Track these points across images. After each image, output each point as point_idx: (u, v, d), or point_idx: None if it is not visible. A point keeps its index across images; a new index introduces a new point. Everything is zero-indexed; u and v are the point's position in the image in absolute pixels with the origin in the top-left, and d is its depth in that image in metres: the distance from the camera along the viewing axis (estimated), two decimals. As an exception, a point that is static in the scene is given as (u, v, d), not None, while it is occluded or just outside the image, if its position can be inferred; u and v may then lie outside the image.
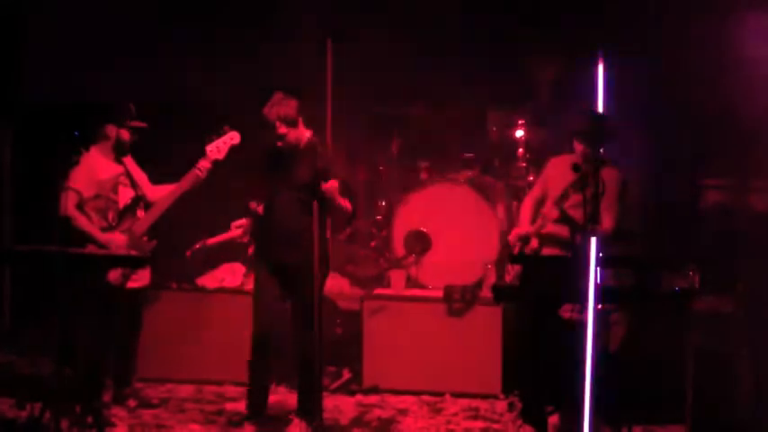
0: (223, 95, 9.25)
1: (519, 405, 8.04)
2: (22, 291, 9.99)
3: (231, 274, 9.28)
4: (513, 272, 7.84)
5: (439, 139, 10.11)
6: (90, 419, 7.42)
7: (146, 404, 8.38)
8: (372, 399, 8.72)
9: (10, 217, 10.15)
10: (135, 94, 8.30)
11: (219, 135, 7.81)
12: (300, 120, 7.33)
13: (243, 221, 7.63)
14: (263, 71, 9.29)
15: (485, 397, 8.66)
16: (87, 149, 8.00)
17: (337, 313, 9.38)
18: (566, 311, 7.33)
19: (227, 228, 7.94)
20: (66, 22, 9.71)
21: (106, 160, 8.07)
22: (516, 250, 7.79)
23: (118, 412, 8.11)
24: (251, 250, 7.80)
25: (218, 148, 7.80)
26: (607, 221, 7.63)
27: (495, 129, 9.94)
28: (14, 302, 10.11)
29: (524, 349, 7.85)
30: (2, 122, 10.09)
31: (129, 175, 8.14)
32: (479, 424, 8.22)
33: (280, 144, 7.23)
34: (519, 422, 7.82)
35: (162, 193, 8.05)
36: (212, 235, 8.28)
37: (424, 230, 9.38)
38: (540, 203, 7.94)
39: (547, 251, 7.83)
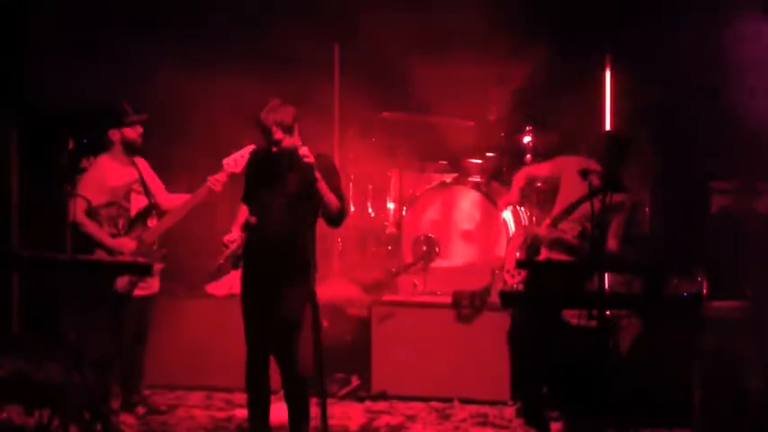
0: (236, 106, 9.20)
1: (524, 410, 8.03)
2: (30, 297, 10.01)
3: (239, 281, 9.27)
4: (517, 277, 7.86)
5: (447, 145, 10.11)
6: (98, 426, 7.44)
7: (154, 411, 8.38)
8: (381, 405, 8.71)
9: (16, 221, 10.16)
10: (144, 100, 8.29)
11: (237, 149, 7.59)
12: (297, 129, 7.21)
13: (234, 236, 7.38)
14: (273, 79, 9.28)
15: (493, 403, 8.64)
16: (93, 156, 7.98)
17: (346, 320, 9.37)
18: (573, 317, 7.31)
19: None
20: (71, 26, 9.72)
21: (118, 166, 8.07)
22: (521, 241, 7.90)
23: (126, 419, 8.12)
24: None
25: (236, 161, 7.57)
26: (612, 244, 7.72)
27: (503, 134, 9.93)
28: (22, 308, 10.14)
29: (529, 354, 7.84)
30: (6, 125, 10.10)
31: (143, 182, 8.13)
32: (488, 430, 8.20)
33: (275, 150, 7.13)
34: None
35: (176, 203, 8.04)
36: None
37: (433, 236, 9.38)
38: (531, 182, 8.16)
39: (554, 256, 7.86)
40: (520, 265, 7.49)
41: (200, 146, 9.44)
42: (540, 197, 9.32)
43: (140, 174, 8.15)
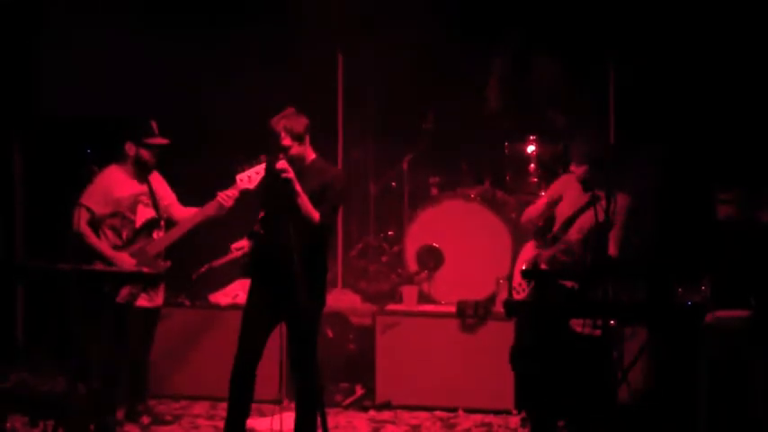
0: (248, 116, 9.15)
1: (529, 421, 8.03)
2: (34, 308, 10.01)
3: (244, 291, 9.25)
4: (522, 294, 7.88)
5: (450, 154, 10.11)
6: (103, 436, 7.45)
7: (159, 421, 8.38)
8: (385, 415, 8.71)
9: (21, 230, 10.16)
10: (158, 110, 8.28)
11: (252, 164, 7.30)
12: (308, 140, 7.20)
13: (243, 243, 7.38)
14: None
15: (498, 412, 8.64)
16: (101, 167, 7.96)
17: (350, 329, 9.37)
18: (578, 326, 7.31)
19: (227, 249, 7.66)
20: (84, 34, 9.73)
21: (126, 177, 8.05)
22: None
23: (131, 429, 8.13)
24: None
25: (250, 177, 7.30)
26: (610, 248, 7.73)
27: (507, 144, 9.93)
28: (27, 319, 10.14)
29: (536, 364, 7.83)
30: (13, 133, 10.11)
31: (152, 194, 8.10)
32: (493, 439, 8.25)
33: (282, 156, 7.10)
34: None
35: (186, 215, 8.01)
36: (218, 255, 8.11)
37: (437, 246, 9.38)
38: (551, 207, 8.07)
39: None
40: (525, 275, 7.48)
41: (213, 159, 9.47)
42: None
43: (150, 186, 8.12)
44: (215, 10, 10.03)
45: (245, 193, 7.42)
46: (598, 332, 7.14)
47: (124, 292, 7.82)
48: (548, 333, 7.54)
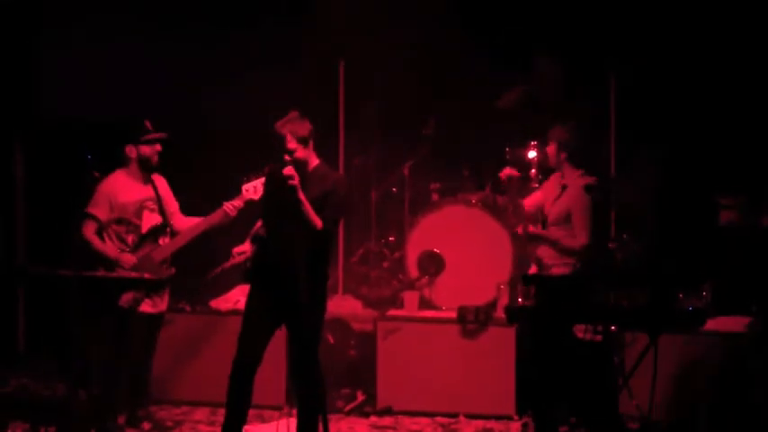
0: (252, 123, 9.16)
1: (532, 426, 8.01)
2: (35, 313, 10.01)
3: (245, 297, 9.25)
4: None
5: (451, 160, 10.11)
6: (104, 443, 7.44)
7: (160, 427, 8.37)
8: (386, 421, 8.71)
9: (23, 231, 10.16)
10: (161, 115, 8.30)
11: (258, 175, 7.45)
12: (312, 145, 7.21)
13: (245, 247, 7.40)
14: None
15: (499, 418, 8.64)
16: (102, 173, 7.98)
17: (351, 335, 9.37)
18: (580, 331, 7.31)
19: (229, 255, 7.62)
20: (83, 37, 9.74)
21: (131, 182, 8.06)
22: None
23: (132, 435, 8.14)
24: None
25: (255, 188, 7.46)
26: (582, 238, 8.09)
27: (508, 149, 9.93)
28: (28, 325, 10.13)
29: (539, 369, 7.84)
30: (13, 137, 10.11)
31: (158, 199, 8.11)
32: (494, 445, 8.24)
33: (287, 158, 7.11)
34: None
35: (188, 225, 8.03)
36: (221, 261, 8.13)
37: (438, 251, 9.38)
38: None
39: (557, 271, 7.91)
40: (526, 280, 7.48)
41: (214, 160, 9.46)
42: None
43: (156, 191, 8.13)
44: (216, 12, 10.05)
45: (249, 204, 7.51)
46: (599, 338, 7.14)
47: (128, 297, 7.83)
48: (549, 338, 7.55)
